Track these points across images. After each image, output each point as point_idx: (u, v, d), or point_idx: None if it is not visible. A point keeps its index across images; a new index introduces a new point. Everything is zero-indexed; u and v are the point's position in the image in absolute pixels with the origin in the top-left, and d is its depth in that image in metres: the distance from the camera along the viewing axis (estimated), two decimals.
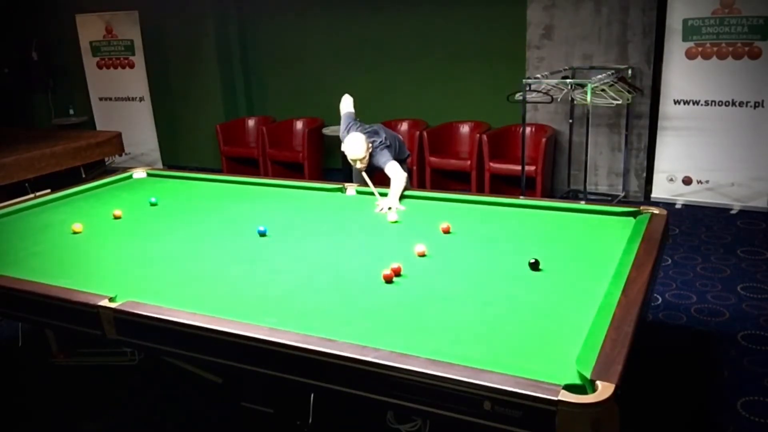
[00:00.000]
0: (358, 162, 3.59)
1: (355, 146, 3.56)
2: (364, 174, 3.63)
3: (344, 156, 3.65)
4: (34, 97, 8.76)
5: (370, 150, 3.61)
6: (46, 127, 8.32)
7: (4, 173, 5.10)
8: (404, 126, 6.62)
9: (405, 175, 3.53)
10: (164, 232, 3.07)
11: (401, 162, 3.73)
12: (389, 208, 3.19)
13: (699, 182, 5.64)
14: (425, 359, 1.69)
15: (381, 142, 3.72)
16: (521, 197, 3.52)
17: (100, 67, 7.89)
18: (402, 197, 3.36)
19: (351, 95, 4.04)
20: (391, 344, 1.79)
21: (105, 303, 2.16)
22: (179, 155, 7.94)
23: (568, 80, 5.27)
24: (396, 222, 3.03)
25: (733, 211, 5.45)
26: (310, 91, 7.25)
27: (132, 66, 7.73)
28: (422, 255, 2.56)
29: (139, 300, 2.18)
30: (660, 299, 3.81)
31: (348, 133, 3.72)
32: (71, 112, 8.53)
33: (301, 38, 7.16)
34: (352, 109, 4.01)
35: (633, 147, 5.86)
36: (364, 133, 3.66)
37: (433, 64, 6.58)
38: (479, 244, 2.73)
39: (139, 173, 4.17)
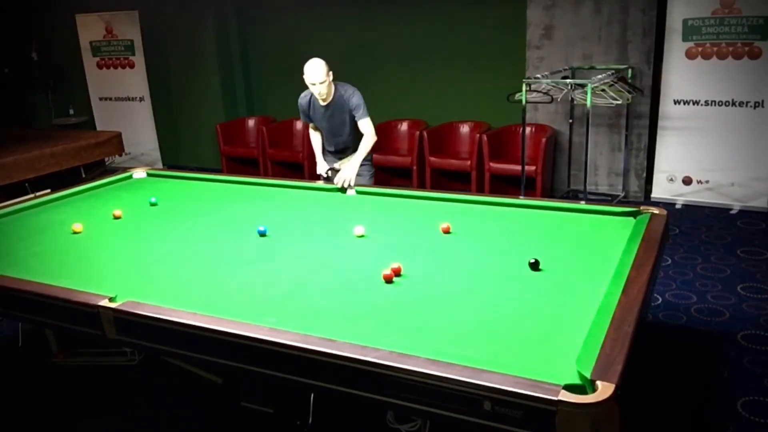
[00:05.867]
0: (319, 86, 3.42)
1: (314, 66, 3.41)
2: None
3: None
4: (34, 97, 8.76)
5: (332, 79, 3.47)
6: (46, 127, 8.32)
7: (4, 173, 5.11)
8: (404, 126, 6.63)
9: (375, 139, 3.49)
10: (164, 232, 3.07)
11: None
12: (349, 185, 3.28)
13: (699, 182, 5.64)
14: (425, 359, 1.69)
15: (354, 92, 3.62)
16: (521, 197, 3.52)
17: (100, 67, 7.89)
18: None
19: None
20: (391, 344, 1.78)
21: (105, 303, 2.16)
22: (179, 155, 7.93)
23: (568, 80, 5.27)
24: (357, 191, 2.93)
25: (733, 211, 5.45)
26: None
27: (132, 66, 7.73)
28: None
29: (139, 300, 2.18)
30: (660, 299, 3.81)
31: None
32: (71, 112, 8.52)
33: (301, 38, 7.15)
34: None
35: (633, 147, 5.86)
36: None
37: (433, 64, 6.57)
38: (479, 244, 2.73)
39: (139, 173, 4.17)
